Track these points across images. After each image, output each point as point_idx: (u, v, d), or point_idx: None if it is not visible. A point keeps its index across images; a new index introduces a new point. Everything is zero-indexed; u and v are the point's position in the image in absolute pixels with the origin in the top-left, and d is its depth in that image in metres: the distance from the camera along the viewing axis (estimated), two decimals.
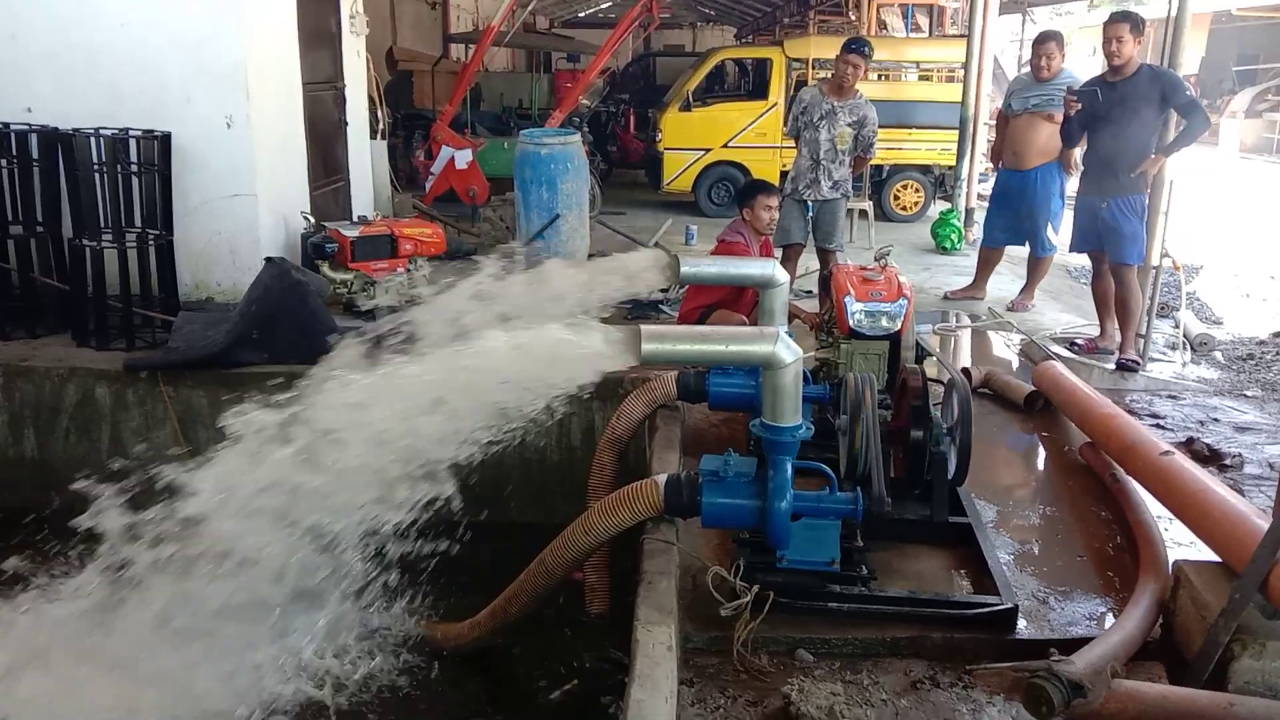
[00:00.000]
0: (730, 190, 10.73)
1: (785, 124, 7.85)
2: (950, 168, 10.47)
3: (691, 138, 10.95)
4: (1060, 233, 6.92)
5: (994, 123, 9.14)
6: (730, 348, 2.99)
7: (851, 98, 6.55)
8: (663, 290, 6.59)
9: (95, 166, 5.54)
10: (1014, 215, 6.92)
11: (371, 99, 8.99)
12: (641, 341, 2.84)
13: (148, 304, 5.80)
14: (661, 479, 3.21)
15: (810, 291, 7.02)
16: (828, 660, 2.93)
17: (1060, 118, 6.21)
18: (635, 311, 6.29)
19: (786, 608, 2.98)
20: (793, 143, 6.97)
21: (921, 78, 11.61)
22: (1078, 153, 6.27)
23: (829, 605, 3.04)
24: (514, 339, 2.84)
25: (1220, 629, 2.58)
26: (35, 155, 5.72)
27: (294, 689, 3.69)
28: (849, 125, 6.51)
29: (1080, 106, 5.79)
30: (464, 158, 9.44)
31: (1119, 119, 5.63)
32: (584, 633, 4.20)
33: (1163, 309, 6.57)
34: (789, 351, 2.90)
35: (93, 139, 5.51)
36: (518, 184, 7.43)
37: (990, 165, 8.70)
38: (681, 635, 2.92)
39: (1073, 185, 6.50)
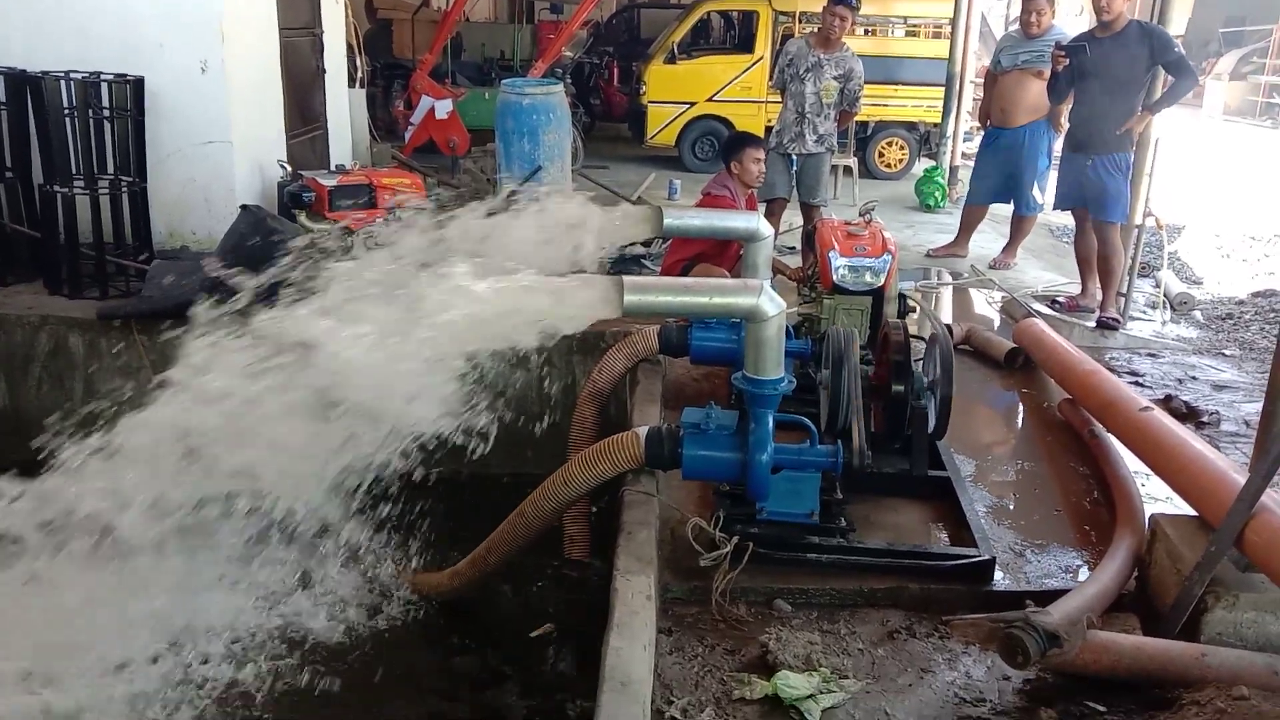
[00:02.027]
0: (715, 145, 10.62)
1: (771, 77, 7.76)
2: (936, 125, 10.40)
3: (676, 91, 10.81)
4: (1045, 192, 6.90)
5: (981, 81, 9.08)
6: (714, 300, 2.97)
7: (838, 51, 6.47)
8: (644, 244, 6.53)
9: (65, 111, 5.39)
10: (1000, 173, 6.89)
11: (350, 47, 8.81)
12: (624, 293, 2.81)
13: (121, 252, 5.69)
14: (642, 431, 3.20)
15: (793, 248, 6.99)
16: (806, 610, 2.95)
17: (1049, 74, 6.16)
18: (616, 265, 6.24)
19: (765, 559, 2.99)
20: (778, 97, 6.89)
21: (908, 33, 11.47)
22: (1066, 110, 6.24)
23: (808, 556, 3.06)
24: (495, 288, 2.79)
25: (1195, 581, 2.61)
26: (3, 98, 5.58)
27: (273, 634, 3.70)
28: (835, 78, 6.43)
29: (1068, 62, 5.74)
30: (444, 108, 9.29)
31: (1107, 75, 5.58)
32: (563, 579, 4.22)
33: (1143, 268, 6.58)
34: (772, 304, 2.88)
35: (63, 82, 5.36)
36: (499, 134, 7.31)
37: (978, 125, 8.64)
38: (660, 585, 2.93)
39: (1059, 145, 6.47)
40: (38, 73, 5.41)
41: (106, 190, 5.57)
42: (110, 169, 5.63)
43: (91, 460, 3.10)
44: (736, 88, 10.75)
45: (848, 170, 9.41)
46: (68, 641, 3.28)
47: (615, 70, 14.41)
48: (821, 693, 2.51)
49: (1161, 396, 4.60)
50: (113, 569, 3.26)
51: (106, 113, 5.55)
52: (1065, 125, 6.22)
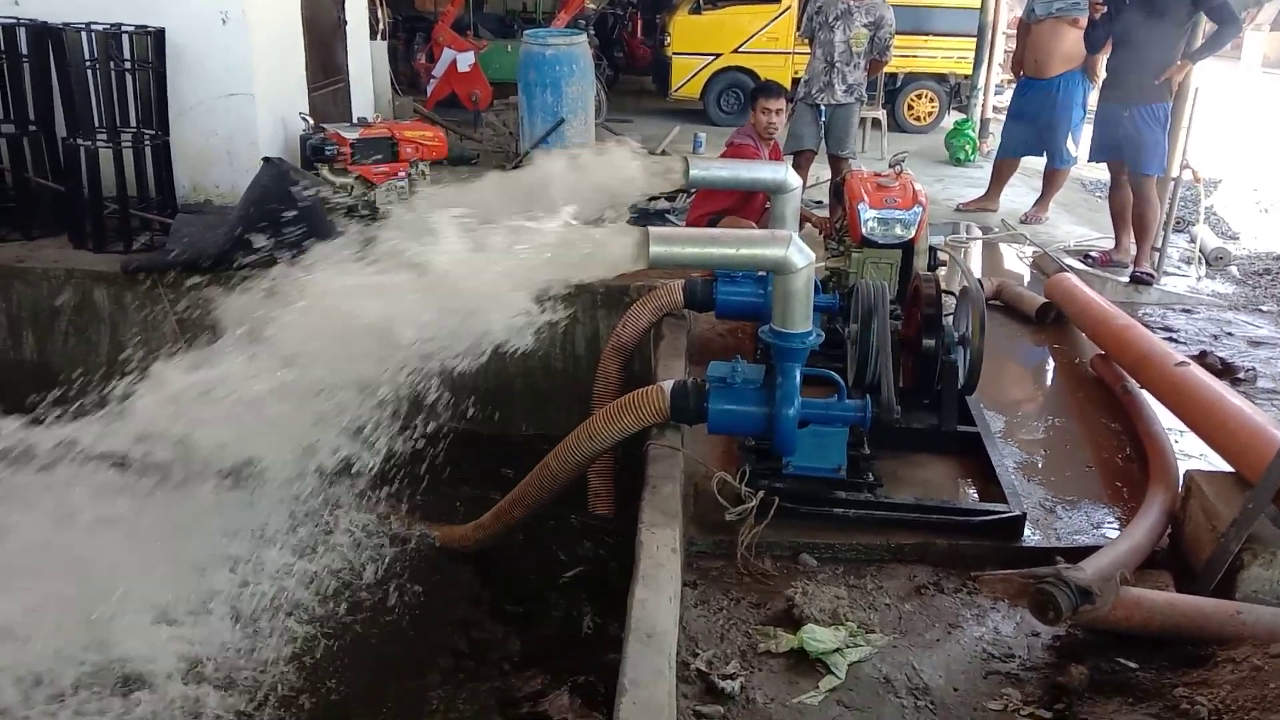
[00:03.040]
0: (740, 97, 10.48)
1: (799, 27, 7.60)
2: (966, 77, 10.18)
3: (701, 42, 10.64)
4: (1080, 145, 6.74)
5: (1013, 32, 8.85)
6: (741, 251, 2.91)
7: None
8: (669, 199, 6.46)
9: (87, 63, 5.37)
10: (1033, 125, 6.72)
11: None
12: (650, 243, 2.76)
13: (145, 206, 5.69)
14: (668, 385, 3.17)
15: (820, 202, 6.88)
16: (831, 565, 2.92)
17: (1085, 22, 5.99)
18: (639, 220, 6.17)
19: (791, 513, 2.96)
20: (806, 47, 6.75)
21: None
22: (1102, 60, 6.07)
23: (834, 511, 3.02)
24: (522, 235, 2.76)
25: (1232, 538, 2.56)
26: (24, 51, 5.55)
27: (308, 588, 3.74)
28: (865, 26, 6.29)
29: (1105, 9, 5.56)
30: (466, 60, 9.19)
31: (1146, 23, 5.41)
32: (589, 531, 4.23)
33: (1179, 223, 6.43)
34: (801, 256, 2.82)
35: (84, 34, 5.34)
36: (521, 87, 7.22)
37: (1009, 79, 8.45)
38: (685, 539, 2.91)
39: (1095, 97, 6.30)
40: (59, 24, 5.38)
41: (129, 143, 5.57)
42: (132, 122, 5.62)
43: None
44: (763, 38, 10.56)
45: (876, 123, 9.25)
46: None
47: (639, 22, 14.20)
48: (848, 647, 2.50)
49: (1196, 353, 4.50)
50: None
51: (128, 65, 5.52)
52: (1101, 76, 6.05)
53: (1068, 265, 5.63)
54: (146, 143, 5.62)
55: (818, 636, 2.49)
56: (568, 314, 4.85)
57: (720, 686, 2.36)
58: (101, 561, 3.30)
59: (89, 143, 5.44)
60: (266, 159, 5.29)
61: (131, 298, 5.20)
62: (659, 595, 2.46)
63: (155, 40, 5.58)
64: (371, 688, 3.40)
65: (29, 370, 5.29)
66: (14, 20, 5.54)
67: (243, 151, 6.09)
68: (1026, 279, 5.70)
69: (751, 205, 5.02)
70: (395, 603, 3.76)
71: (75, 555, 3.28)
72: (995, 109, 9.94)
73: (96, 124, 5.46)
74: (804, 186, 6.01)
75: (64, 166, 5.61)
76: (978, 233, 6.68)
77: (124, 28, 5.50)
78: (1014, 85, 7.40)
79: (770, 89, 5.36)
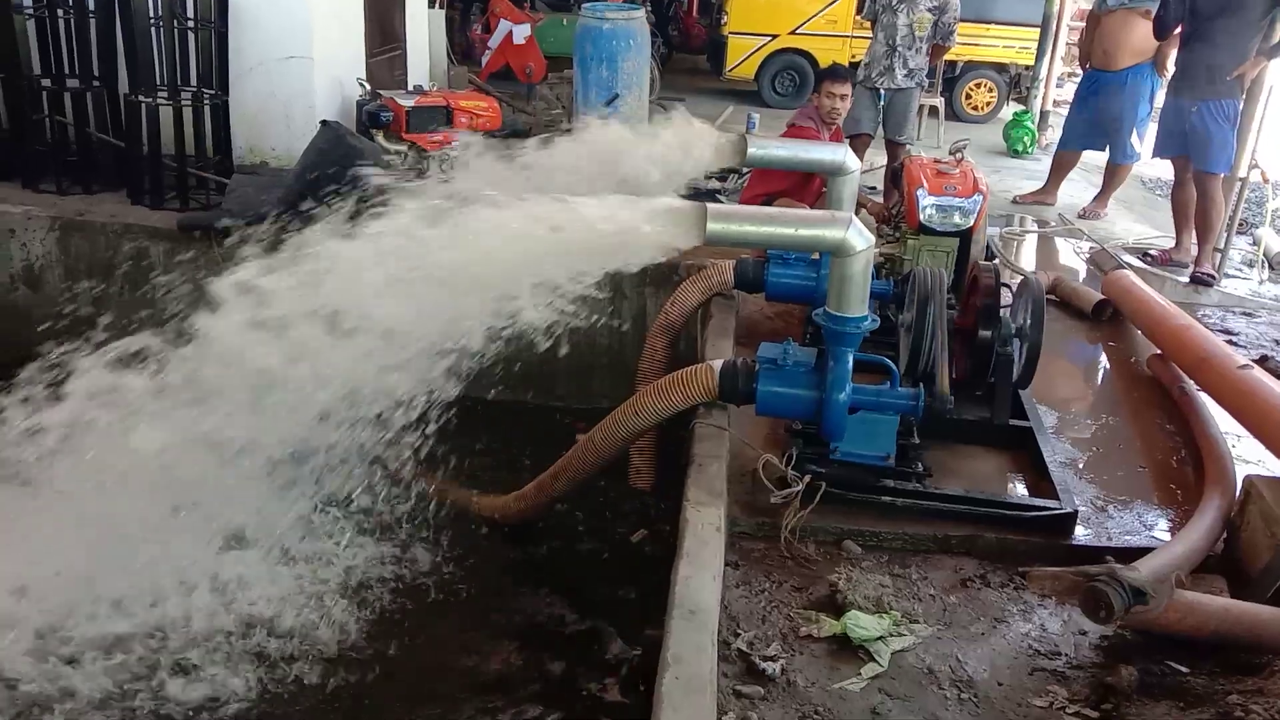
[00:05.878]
0: (795, 79, 10.38)
1: (861, 8, 7.49)
2: (1028, 67, 9.98)
3: (758, 22, 10.52)
4: (1144, 140, 6.58)
5: (1078, 23, 8.66)
6: (800, 231, 2.87)
7: None
8: (719, 178, 6.40)
9: (152, 20, 5.44)
10: (1098, 118, 6.57)
11: None
12: (707, 220, 2.73)
13: (202, 165, 5.75)
14: (717, 364, 3.15)
15: (875, 188, 6.79)
16: (876, 553, 2.90)
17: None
18: (691, 198, 6.11)
19: (837, 499, 2.93)
20: (865, 30, 6.65)
21: None
22: (1172, 54, 5.91)
23: (882, 499, 2.99)
24: (578, 208, 2.74)
25: None
26: (91, 7, 5.63)
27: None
28: (929, 10, 6.17)
29: None
30: (522, 32, 9.17)
31: (1221, 15, 5.26)
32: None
33: (1242, 225, 6.27)
34: (861, 238, 2.78)
35: None
36: (577, 60, 7.18)
37: (1069, 72, 8.25)
38: (728, 519, 2.89)
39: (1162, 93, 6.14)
40: None
41: (189, 102, 5.62)
42: (193, 81, 5.67)
43: None
44: (821, 20, 10.42)
45: (933, 111, 9.10)
46: None
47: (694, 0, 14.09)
48: (891, 635, 2.47)
49: (1257, 357, 4.39)
50: None
51: (191, 23, 5.57)
52: (1171, 70, 5.90)
53: (1126, 262, 5.52)
54: (206, 102, 5.68)
55: (862, 623, 2.47)
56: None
57: (761, 667, 2.35)
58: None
59: (150, 100, 5.50)
60: (324, 122, 5.32)
61: (186, 255, 5.26)
62: (703, 573, 2.45)
63: (219, 0, 5.62)
64: (405, 662, 3.44)
65: (85, 323, 5.37)
66: None
67: (300, 115, 6.13)
68: (1082, 275, 5.59)
69: (808, 188, 4.96)
70: (432, 574, 3.79)
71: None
72: (1056, 101, 9.74)
73: (158, 82, 5.53)
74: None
75: (125, 123, 5.68)
76: (1033, 225, 6.57)
77: None
78: (1076, 78, 7.24)
79: (837, 73, 5.28)
